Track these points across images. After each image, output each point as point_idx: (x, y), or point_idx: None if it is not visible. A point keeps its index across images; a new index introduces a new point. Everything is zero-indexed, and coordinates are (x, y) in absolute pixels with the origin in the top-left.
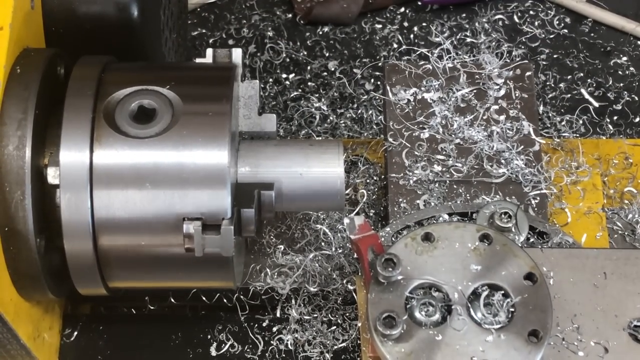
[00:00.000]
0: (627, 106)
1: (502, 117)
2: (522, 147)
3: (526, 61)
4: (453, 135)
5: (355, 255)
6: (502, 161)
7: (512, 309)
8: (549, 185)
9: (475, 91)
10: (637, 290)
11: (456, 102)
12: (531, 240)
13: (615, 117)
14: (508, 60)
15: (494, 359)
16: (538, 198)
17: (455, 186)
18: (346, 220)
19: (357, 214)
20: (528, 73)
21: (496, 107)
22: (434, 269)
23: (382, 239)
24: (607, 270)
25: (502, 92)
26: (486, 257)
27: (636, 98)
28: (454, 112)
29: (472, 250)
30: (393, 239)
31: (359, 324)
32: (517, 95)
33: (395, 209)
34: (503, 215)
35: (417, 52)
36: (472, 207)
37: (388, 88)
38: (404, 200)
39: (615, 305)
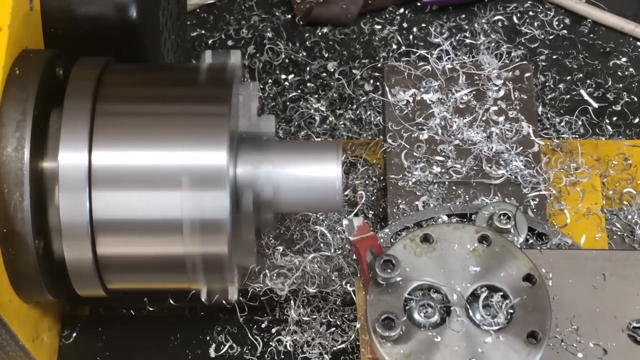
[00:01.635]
0: (627, 107)
1: (502, 118)
2: (521, 148)
3: (525, 62)
4: (452, 137)
5: (354, 257)
6: (501, 162)
7: (511, 310)
8: (548, 186)
9: (474, 92)
10: (636, 291)
11: (455, 103)
12: (530, 241)
13: (614, 118)
14: (507, 61)
15: None
16: (537, 199)
17: (454, 187)
18: (345, 222)
19: (356, 215)
20: (527, 74)
21: (495, 108)
22: (432, 270)
23: (381, 240)
24: (606, 271)
25: (502, 93)
26: (485, 258)
27: (635, 99)
28: (453, 113)
29: (471, 252)
30: (392, 240)
31: (358, 325)
32: (516, 96)
33: (394, 210)
34: (502, 217)
35: (417, 54)
36: (471, 209)
37: (387, 89)
38: (403, 202)
39: (614, 307)
